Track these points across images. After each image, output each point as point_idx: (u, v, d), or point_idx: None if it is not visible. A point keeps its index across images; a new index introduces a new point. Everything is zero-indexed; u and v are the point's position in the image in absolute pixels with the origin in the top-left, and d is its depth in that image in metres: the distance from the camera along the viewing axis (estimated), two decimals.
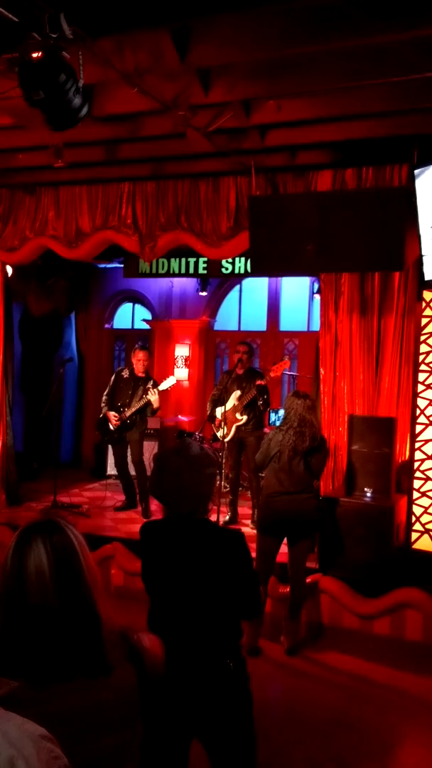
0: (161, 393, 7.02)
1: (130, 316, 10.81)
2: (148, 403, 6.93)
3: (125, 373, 7.23)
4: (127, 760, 1.56)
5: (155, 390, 6.89)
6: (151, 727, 1.68)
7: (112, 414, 7.09)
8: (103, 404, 7.24)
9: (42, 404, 7.79)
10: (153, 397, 6.88)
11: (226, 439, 6.89)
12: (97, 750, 1.49)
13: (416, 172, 5.16)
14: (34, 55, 3.29)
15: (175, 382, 7.15)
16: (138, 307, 10.67)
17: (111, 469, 8.95)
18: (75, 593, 1.53)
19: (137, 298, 10.50)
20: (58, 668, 1.48)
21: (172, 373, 9.85)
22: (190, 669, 2.39)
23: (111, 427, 7.13)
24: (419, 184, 5.11)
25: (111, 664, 1.54)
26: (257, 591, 2.56)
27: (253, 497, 6.77)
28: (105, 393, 7.30)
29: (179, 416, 9.30)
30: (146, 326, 10.34)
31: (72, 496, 7.71)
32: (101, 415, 7.22)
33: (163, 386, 6.96)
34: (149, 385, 7.02)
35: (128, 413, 7.02)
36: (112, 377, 7.36)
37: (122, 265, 9.09)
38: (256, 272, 6.75)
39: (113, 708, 1.53)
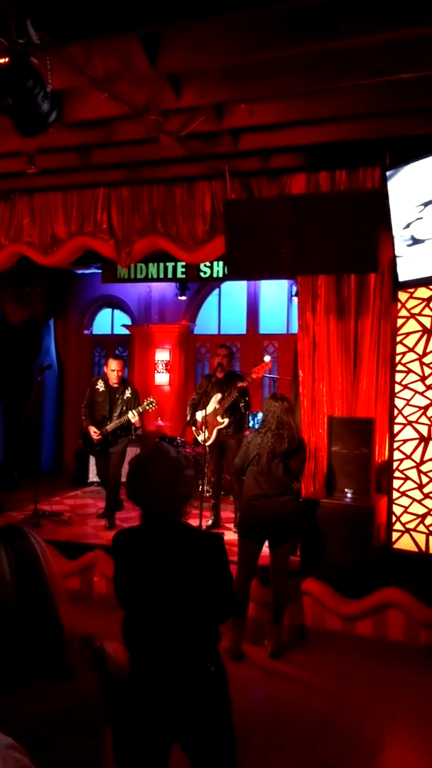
0: (141, 414, 6.93)
1: (109, 322, 10.78)
2: (129, 421, 6.85)
3: (100, 386, 7.07)
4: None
5: (135, 412, 6.79)
6: (126, 734, 1.68)
7: (92, 429, 6.96)
8: (83, 417, 7.09)
9: (21, 413, 7.73)
10: (134, 418, 6.80)
11: (208, 443, 6.88)
12: (59, 757, 1.48)
13: (388, 174, 5.19)
14: (1, 60, 3.26)
15: (155, 404, 6.99)
16: (117, 312, 10.65)
17: (92, 477, 8.93)
18: (36, 599, 1.53)
19: (116, 303, 10.48)
20: (18, 674, 1.47)
21: (153, 379, 9.87)
22: (170, 674, 2.37)
23: (94, 440, 7.03)
24: (391, 186, 5.14)
25: (72, 670, 1.53)
26: (232, 593, 2.56)
27: (236, 501, 6.76)
28: (83, 405, 7.16)
29: (160, 421, 9.27)
30: (126, 331, 10.32)
31: (53, 504, 7.65)
32: (84, 429, 7.12)
33: (143, 408, 6.86)
34: (128, 394, 6.94)
35: (109, 428, 6.92)
36: (88, 390, 7.22)
37: (100, 271, 9.06)
38: (232, 276, 6.77)
39: (75, 714, 1.53)
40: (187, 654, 2.39)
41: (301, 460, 5.03)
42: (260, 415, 5.33)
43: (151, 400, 6.96)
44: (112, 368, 7.00)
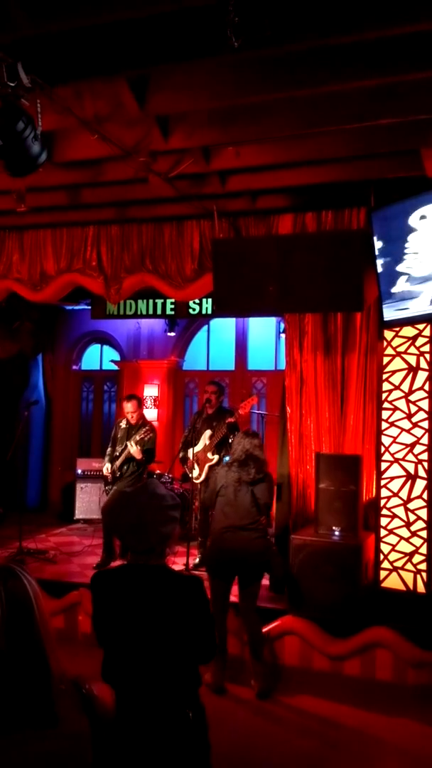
0: (139, 442, 6.77)
1: (98, 358, 10.80)
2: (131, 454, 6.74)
3: (122, 423, 7.00)
4: None
5: (132, 442, 6.70)
6: None
7: (105, 468, 6.89)
8: (106, 455, 7.03)
9: (7, 448, 7.67)
10: (132, 449, 6.69)
11: (199, 480, 6.85)
12: None
13: (373, 214, 5.29)
14: None
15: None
16: (106, 348, 10.68)
17: (79, 513, 8.83)
18: (26, 641, 1.51)
19: (105, 339, 10.51)
20: (3, 719, 1.44)
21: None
22: (149, 720, 2.32)
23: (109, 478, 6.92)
24: (377, 225, 5.23)
25: (59, 714, 1.50)
26: (213, 634, 2.52)
27: (203, 536, 6.72)
28: (109, 445, 7.13)
29: None
30: (114, 367, 10.33)
31: (38, 541, 7.56)
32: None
33: (140, 437, 6.75)
34: (141, 434, 6.78)
35: (117, 465, 6.82)
36: (114, 429, 7.17)
37: (89, 307, 9.11)
38: (220, 313, 6.83)
39: (62, 759, 1.49)
40: (165, 699, 2.35)
41: (267, 488, 5.04)
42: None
43: (146, 429, 6.90)
44: (126, 410, 6.94)
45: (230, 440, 6.68)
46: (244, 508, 4.87)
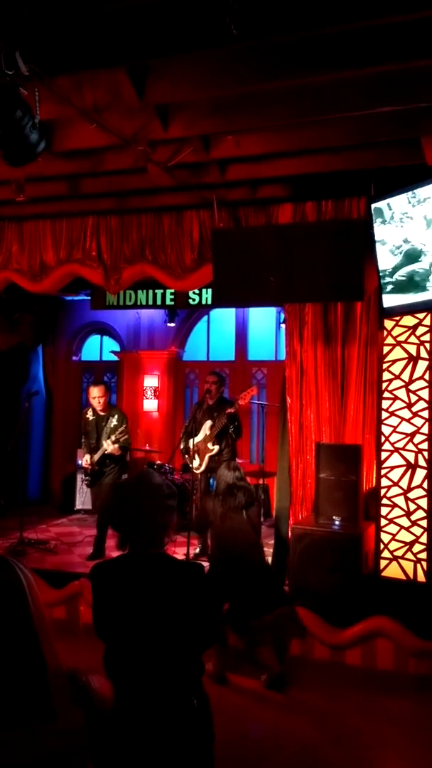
0: (117, 442, 6.75)
1: (98, 348, 10.79)
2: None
3: (89, 415, 7.01)
4: None
5: (109, 441, 6.70)
6: None
7: (86, 458, 6.89)
8: (83, 447, 7.07)
9: (8, 439, 7.68)
10: (109, 448, 6.71)
11: (199, 470, 6.87)
12: None
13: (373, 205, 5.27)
14: None
15: (127, 437, 6.90)
16: (106, 338, 10.67)
17: (79, 504, 8.87)
18: (20, 634, 1.48)
19: (105, 329, 10.50)
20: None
21: (141, 405, 9.88)
22: (155, 709, 2.33)
23: (87, 470, 6.95)
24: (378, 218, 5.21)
25: (56, 709, 1.49)
26: (214, 619, 2.53)
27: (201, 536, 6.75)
28: (82, 436, 7.17)
29: (148, 447, 9.23)
30: (114, 358, 10.33)
31: (39, 532, 7.57)
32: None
33: (116, 437, 6.70)
34: (114, 422, 6.81)
35: (96, 458, 6.84)
36: (81, 421, 7.19)
37: (89, 298, 9.09)
38: (219, 303, 6.82)
39: (58, 757, 1.48)
40: (170, 687, 2.36)
41: (258, 513, 5.19)
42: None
43: (122, 429, 6.82)
44: (93, 396, 6.93)
45: (230, 431, 6.70)
46: (241, 525, 4.91)
